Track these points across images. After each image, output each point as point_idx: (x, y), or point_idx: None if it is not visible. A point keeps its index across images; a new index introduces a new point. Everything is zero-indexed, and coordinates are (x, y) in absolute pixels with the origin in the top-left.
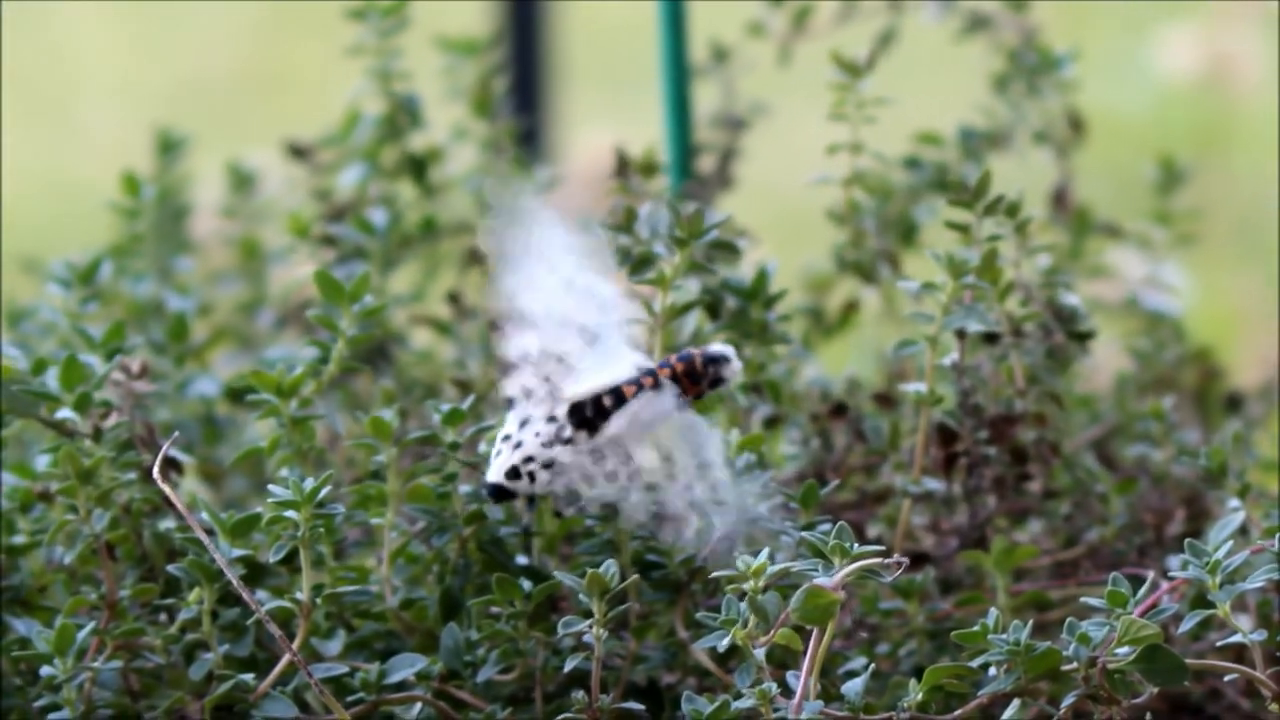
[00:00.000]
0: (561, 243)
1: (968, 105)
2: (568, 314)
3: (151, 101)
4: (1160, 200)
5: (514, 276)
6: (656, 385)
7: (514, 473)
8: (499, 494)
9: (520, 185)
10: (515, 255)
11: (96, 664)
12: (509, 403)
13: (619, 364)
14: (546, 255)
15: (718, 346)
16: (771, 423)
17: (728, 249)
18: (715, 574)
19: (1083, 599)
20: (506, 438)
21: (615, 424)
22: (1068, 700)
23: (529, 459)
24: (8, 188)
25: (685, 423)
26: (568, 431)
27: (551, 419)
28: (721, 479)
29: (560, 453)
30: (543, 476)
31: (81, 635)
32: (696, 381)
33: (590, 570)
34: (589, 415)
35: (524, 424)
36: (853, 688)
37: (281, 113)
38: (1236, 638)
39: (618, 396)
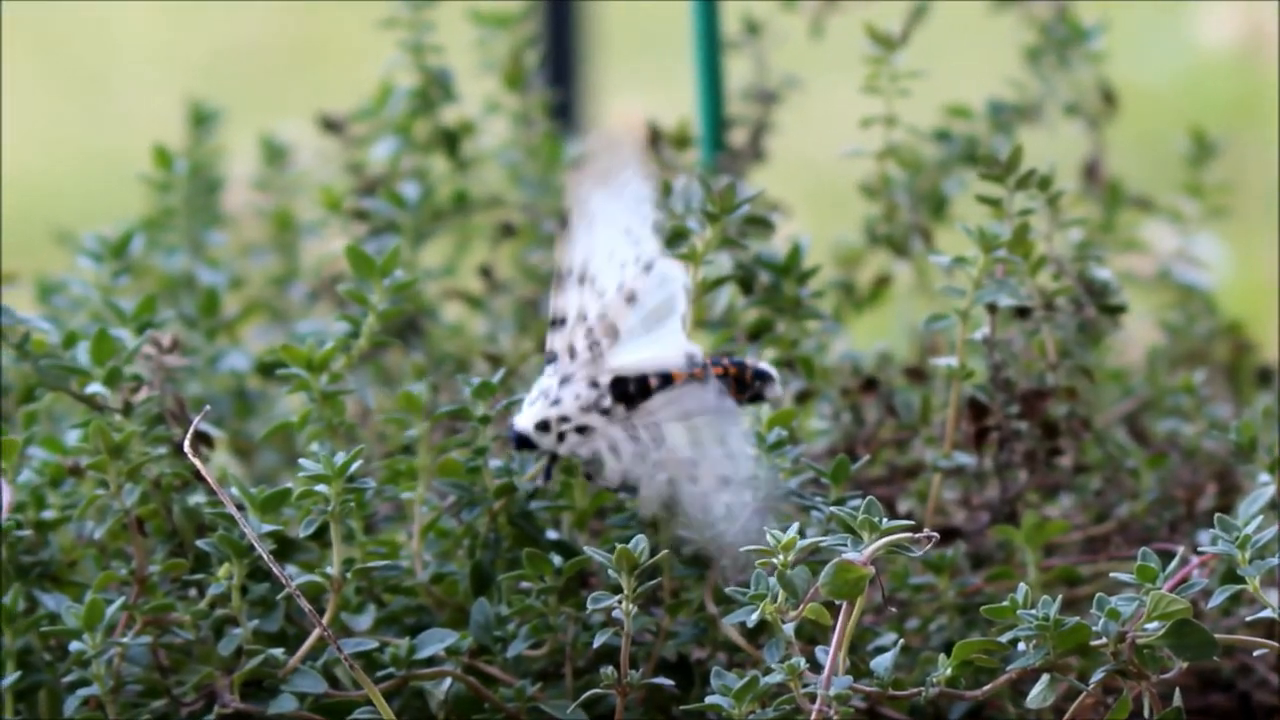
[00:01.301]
0: (643, 213)
1: (999, 78)
2: (632, 286)
3: (188, 73)
4: (1192, 173)
5: (588, 234)
6: (704, 378)
7: (544, 425)
8: (521, 442)
9: (620, 148)
10: (595, 213)
11: (126, 639)
12: (551, 357)
13: (669, 347)
14: (626, 222)
15: (767, 366)
16: (803, 397)
17: (760, 223)
18: (747, 549)
19: (1113, 574)
20: (544, 392)
21: (655, 403)
22: (1097, 675)
23: (564, 418)
24: (46, 160)
25: (720, 413)
26: (607, 401)
27: (594, 384)
28: (745, 466)
29: (596, 420)
30: (573, 439)
31: (111, 610)
32: (741, 391)
33: (620, 545)
34: (631, 391)
35: (565, 382)
36: (882, 663)
37: (318, 85)
38: (1266, 613)
39: (665, 380)
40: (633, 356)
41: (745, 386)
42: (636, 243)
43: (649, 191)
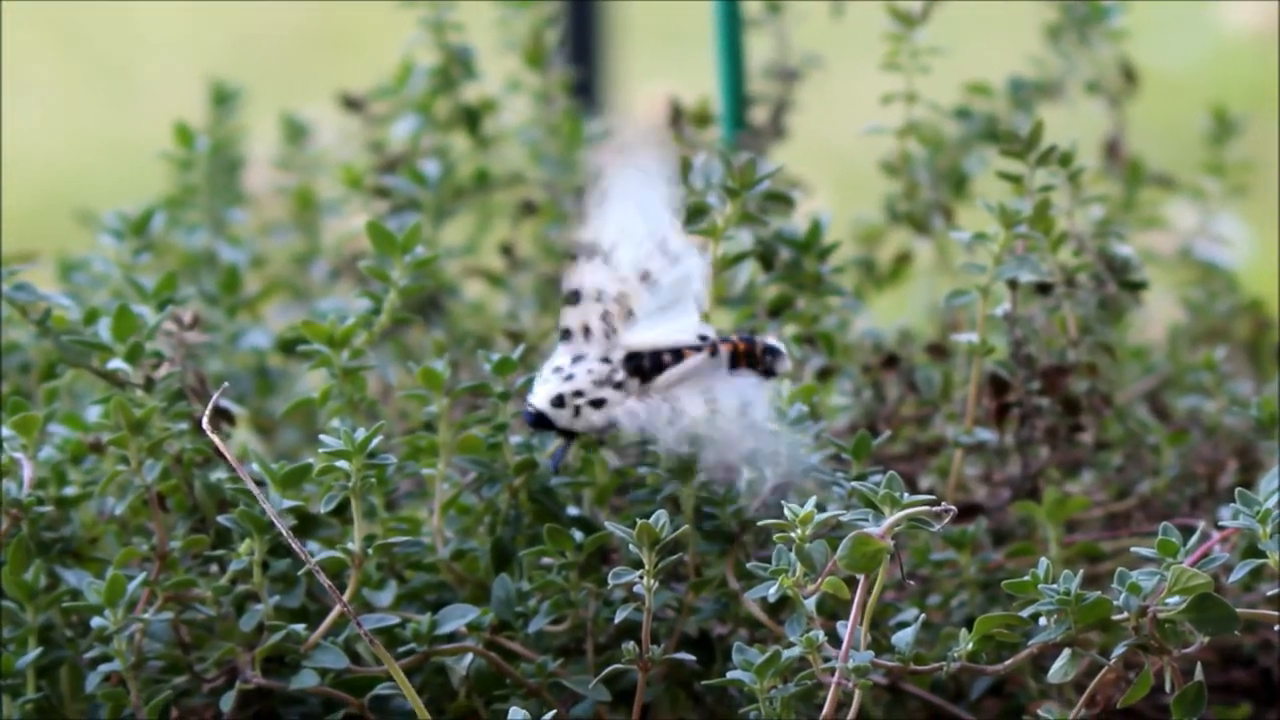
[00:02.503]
0: (660, 194)
1: (1020, 56)
2: (647, 265)
3: (213, 59)
4: (1213, 151)
5: (607, 213)
6: (715, 354)
7: (559, 401)
8: (538, 421)
9: (641, 128)
10: (614, 193)
11: (147, 615)
12: (565, 334)
13: (682, 325)
14: (644, 203)
15: (776, 342)
16: (824, 374)
17: (781, 200)
18: (765, 524)
19: (1134, 549)
20: (557, 369)
21: (669, 377)
22: (1118, 650)
23: (578, 393)
24: (72, 149)
25: (737, 381)
26: (620, 375)
27: (605, 360)
28: (769, 430)
29: (610, 393)
30: (588, 413)
31: (132, 586)
32: (751, 366)
33: (641, 521)
34: (646, 366)
35: (577, 359)
36: (903, 638)
37: (343, 70)
38: None
39: (677, 356)
40: (646, 335)
41: (755, 361)
42: (654, 222)
43: (669, 171)
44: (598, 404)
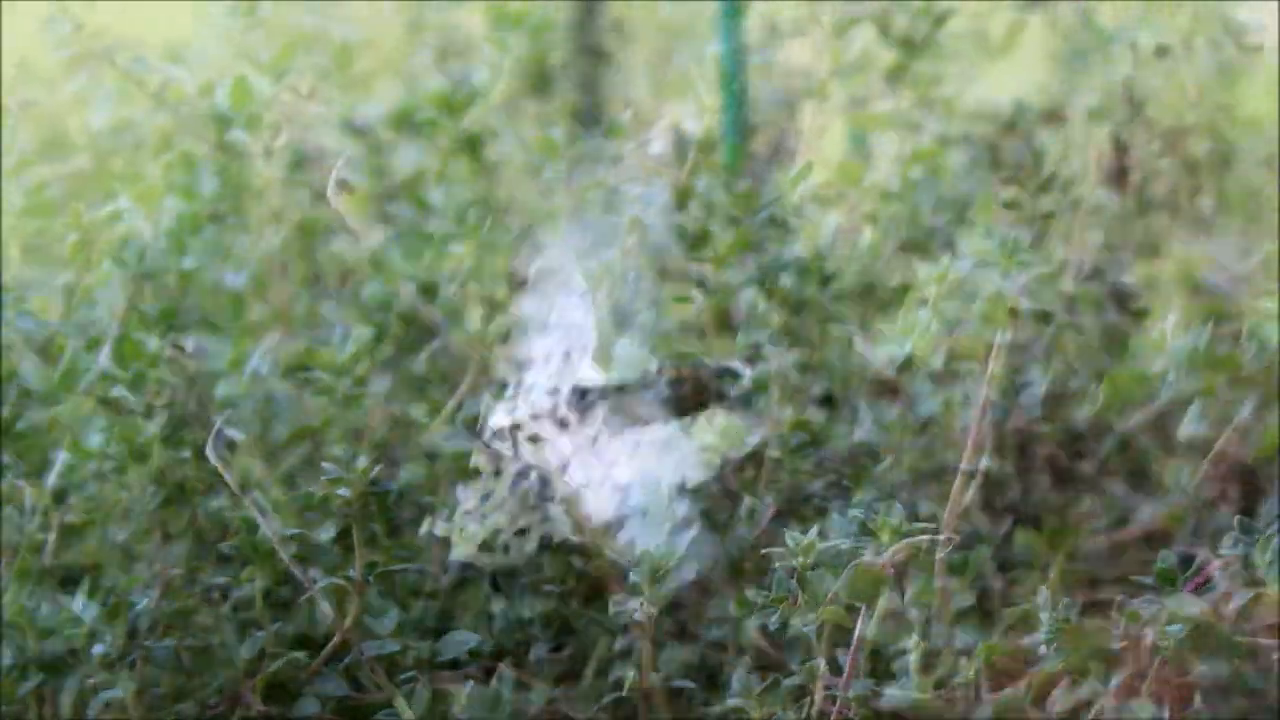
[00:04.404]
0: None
1: (1025, 83)
2: (620, 303)
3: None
4: (1219, 176)
5: (591, 253)
6: (654, 387)
7: (499, 434)
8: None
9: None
10: (586, 233)
11: (149, 642)
12: (528, 362)
13: (631, 358)
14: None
15: (732, 363)
16: (827, 401)
17: (782, 226)
18: (767, 551)
19: (1134, 577)
20: (508, 398)
21: (605, 408)
22: (1116, 680)
23: (517, 426)
24: None
25: (663, 432)
26: (563, 410)
27: (554, 391)
28: (666, 496)
29: (548, 430)
30: (525, 449)
31: (135, 613)
32: (700, 390)
33: (643, 550)
34: (593, 400)
35: (527, 390)
36: (905, 666)
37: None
38: None
39: (622, 389)
40: (595, 368)
41: (704, 387)
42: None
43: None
44: (534, 440)
